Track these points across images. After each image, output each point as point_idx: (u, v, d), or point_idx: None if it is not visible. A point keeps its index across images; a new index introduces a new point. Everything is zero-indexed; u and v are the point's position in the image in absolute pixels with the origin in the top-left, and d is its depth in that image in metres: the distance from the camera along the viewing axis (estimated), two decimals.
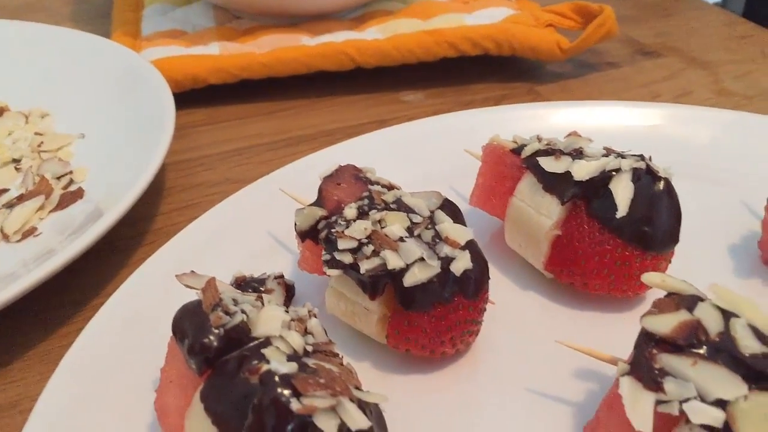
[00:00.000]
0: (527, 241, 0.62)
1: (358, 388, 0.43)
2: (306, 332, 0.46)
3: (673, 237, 0.59)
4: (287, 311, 0.47)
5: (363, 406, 0.42)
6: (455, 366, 0.56)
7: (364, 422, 0.40)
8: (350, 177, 0.58)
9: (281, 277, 0.61)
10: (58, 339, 0.62)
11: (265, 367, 0.40)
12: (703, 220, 0.70)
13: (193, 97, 0.98)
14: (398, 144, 0.78)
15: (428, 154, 0.77)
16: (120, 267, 0.70)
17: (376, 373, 0.56)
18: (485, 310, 0.56)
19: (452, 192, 0.72)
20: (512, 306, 0.61)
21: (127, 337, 0.56)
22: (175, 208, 0.79)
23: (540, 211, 0.60)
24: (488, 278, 0.55)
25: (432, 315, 0.52)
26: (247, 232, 0.67)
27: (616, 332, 0.54)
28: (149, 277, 0.60)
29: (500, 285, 0.63)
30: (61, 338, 0.62)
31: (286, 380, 0.39)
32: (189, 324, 0.45)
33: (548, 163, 0.60)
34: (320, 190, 0.58)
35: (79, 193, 0.74)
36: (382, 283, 0.52)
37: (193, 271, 0.49)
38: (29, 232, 0.69)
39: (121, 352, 0.55)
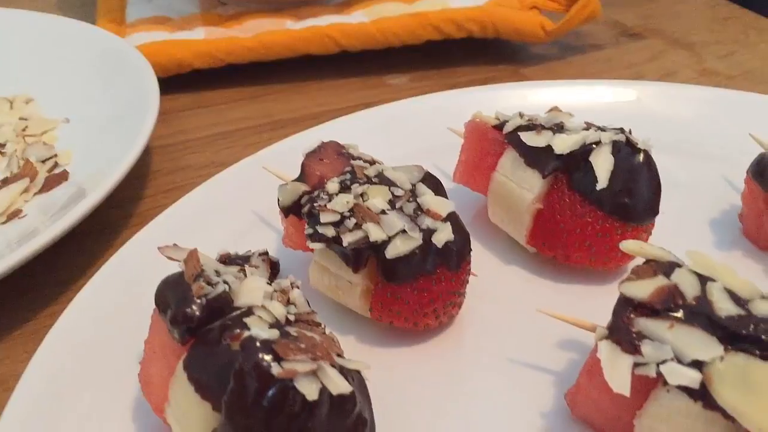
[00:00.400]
0: (509, 216, 0.63)
1: (340, 355, 0.44)
2: (288, 303, 0.47)
3: (652, 209, 0.59)
4: (270, 283, 0.48)
5: (345, 372, 0.42)
6: (439, 338, 0.57)
7: (345, 387, 0.40)
8: (333, 153, 0.59)
9: (266, 254, 0.60)
10: (45, 318, 0.63)
11: (246, 334, 0.41)
12: (684, 194, 0.70)
13: (179, 81, 0.98)
14: (382, 124, 0.78)
15: (412, 133, 0.77)
16: (106, 248, 0.70)
17: (360, 347, 0.56)
18: (468, 282, 0.57)
19: (436, 170, 0.72)
20: (495, 279, 0.62)
21: (112, 312, 0.56)
22: (161, 191, 0.79)
23: (522, 186, 0.61)
24: (470, 250, 0.55)
25: (415, 287, 0.53)
26: (232, 210, 0.67)
27: (598, 303, 0.54)
28: (134, 254, 0.60)
29: (484, 259, 0.64)
30: (48, 317, 0.63)
31: (267, 346, 0.40)
32: (171, 295, 0.45)
33: (529, 138, 0.61)
34: (303, 166, 0.58)
35: (63, 176, 0.74)
36: (365, 256, 0.53)
37: (175, 244, 0.49)
38: (14, 214, 0.69)
39: (105, 327, 0.55)
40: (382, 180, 0.55)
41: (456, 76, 1.01)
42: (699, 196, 0.70)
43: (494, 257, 0.65)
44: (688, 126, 0.77)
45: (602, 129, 0.60)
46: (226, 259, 0.59)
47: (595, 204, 0.58)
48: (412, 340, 0.57)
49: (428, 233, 0.52)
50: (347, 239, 0.52)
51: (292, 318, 0.45)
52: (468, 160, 0.67)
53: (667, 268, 0.47)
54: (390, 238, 0.52)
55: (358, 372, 0.44)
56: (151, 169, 0.83)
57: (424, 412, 0.51)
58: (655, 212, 0.59)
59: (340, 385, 0.40)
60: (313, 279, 0.57)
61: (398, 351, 0.56)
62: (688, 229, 0.67)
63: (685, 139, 0.76)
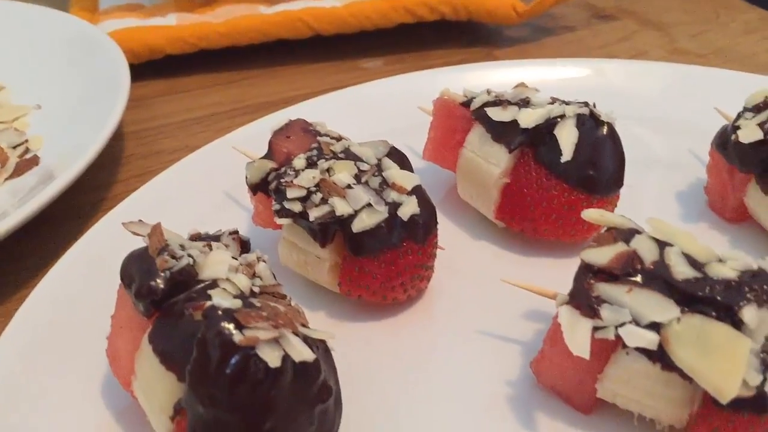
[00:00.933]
0: (478, 191, 0.63)
1: (304, 325, 0.44)
2: (254, 276, 0.47)
3: (617, 181, 0.60)
4: (235, 258, 0.48)
5: (309, 342, 0.43)
6: (408, 312, 0.58)
7: (308, 355, 0.41)
8: (300, 130, 0.59)
9: (236, 232, 0.61)
10: (16, 301, 0.62)
11: (208, 304, 0.41)
12: (651, 168, 0.71)
13: (153, 67, 0.98)
14: (353, 105, 0.78)
15: (382, 113, 0.77)
16: (78, 232, 0.70)
17: (330, 322, 0.57)
18: (435, 255, 0.57)
19: (406, 148, 0.72)
20: (464, 254, 0.63)
21: (81, 291, 0.56)
22: (133, 175, 0.79)
23: (489, 161, 0.61)
24: (436, 223, 0.56)
25: (382, 260, 0.53)
26: (202, 191, 0.67)
27: (564, 274, 0.54)
28: (102, 234, 0.60)
29: (453, 235, 0.65)
30: (20, 301, 0.62)
31: (229, 314, 0.40)
32: (135, 269, 0.45)
33: (495, 113, 0.61)
34: (270, 144, 0.59)
35: (34, 161, 0.74)
36: (332, 230, 0.53)
37: (140, 220, 0.49)
38: None
39: (74, 306, 0.55)
40: (348, 155, 0.56)
41: (430, 59, 1.02)
42: (665, 169, 0.71)
43: (464, 233, 0.66)
44: (654, 101, 0.78)
45: (566, 103, 0.61)
46: (196, 239, 0.59)
47: (561, 177, 0.59)
48: (382, 314, 0.57)
49: (394, 207, 0.53)
50: (314, 214, 0.52)
51: (257, 290, 0.45)
52: (436, 137, 0.67)
53: (627, 234, 0.48)
54: (356, 212, 0.52)
55: (323, 342, 0.45)
56: (124, 154, 0.83)
57: (392, 384, 0.52)
58: (620, 184, 0.60)
59: (303, 353, 0.40)
60: (282, 256, 0.58)
61: (368, 325, 0.57)
62: (654, 202, 0.68)
63: (651, 114, 0.77)
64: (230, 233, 0.59)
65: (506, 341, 0.55)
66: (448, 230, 0.65)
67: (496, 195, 0.61)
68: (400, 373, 0.53)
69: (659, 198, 0.68)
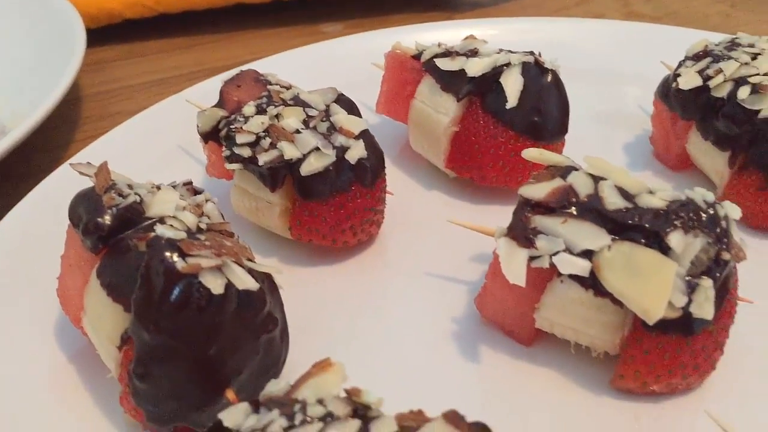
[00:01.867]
0: (428, 141, 0.65)
1: (251, 260, 0.45)
2: (202, 215, 0.48)
3: (561, 127, 0.62)
4: (184, 198, 0.49)
5: (255, 275, 0.44)
6: (359, 256, 0.59)
7: (252, 283, 0.42)
8: (250, 80, 0.60)
9: (190, 183, 0.61)
10: None
11: (151, 234, 0.42)
12: (600, 120, 0.73)
13: (112, 32, 0.97)
14: (308, 63, 0.79)
15: (338, 71, 0.78)
16: None
17: (282, 266, 0.58)
18: (384, 200, 0.58)
19: (361, 104, 0.73)
20: (416, 203, 0.64)
21: (32, 239, 0.57)
22: (90, 136, 0.79)
23: (438, 110, 0.63)
24: (384, 167, 0.57)
25: (331, 204, 0.54)
26: (156, 145, 0.68)
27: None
28: (56, 186, 0.61)
29: (406, 185, 0.66)
30: None
31: (172, 244, 0.41)
32: (83, 207, 0.46)
33: (444, 63, 0.62)
34: (221, 93, 0.59)
35: None
36: (281, 175, 0.54)
37: (88, 163, 0.50)
38: None
39: (25, 253, 0.56)
40: (297, 102, 0.57)
41: (390, 23, 1.02)
42: (613, 121, 0.73)
43: (416, 183, 0.67)
44: (605, 57, 0.80)
45: (512, 52, 0.62)
46: None
47: (507, 124, 0.60)
48: (333, 258, 0.59)
49: (341, 150, 0.54)
50: (263, 158, 0.53)
51: (203, 227, 0.46)
52: (389, 90, 0.68)
53: (564, 171, 0.50)
54: (304, 156, 0.53)
55: (269, 276, 0.46)
56: (82, 115, 0.84)
57: (342, 323, 0.53)
58: (564, 131, 0.62)
59: (246, 281, 0.41)
60: (234, 203, 0.59)
61: (319, 269, 0.58)
62: (601, 152, 0.69)
63: (601, 68, 0.79)
64: (184, 184, 0.60)
65: (453, 281, 0.56)
66: (401, 181, 0.67)
67: (445, 144, 0.63)
68: (350, 313, 0.54)
69: (606, 149, 0.70)
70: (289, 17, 1.03)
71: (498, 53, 0.62)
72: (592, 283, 0.45)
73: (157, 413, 0.42)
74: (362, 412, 0.35)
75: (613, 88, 0.77)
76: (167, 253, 0.41)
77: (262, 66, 0.77)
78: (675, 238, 0.44)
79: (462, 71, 0.61)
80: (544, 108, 0.60)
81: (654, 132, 0.69)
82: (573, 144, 0.63)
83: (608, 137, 0.71)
